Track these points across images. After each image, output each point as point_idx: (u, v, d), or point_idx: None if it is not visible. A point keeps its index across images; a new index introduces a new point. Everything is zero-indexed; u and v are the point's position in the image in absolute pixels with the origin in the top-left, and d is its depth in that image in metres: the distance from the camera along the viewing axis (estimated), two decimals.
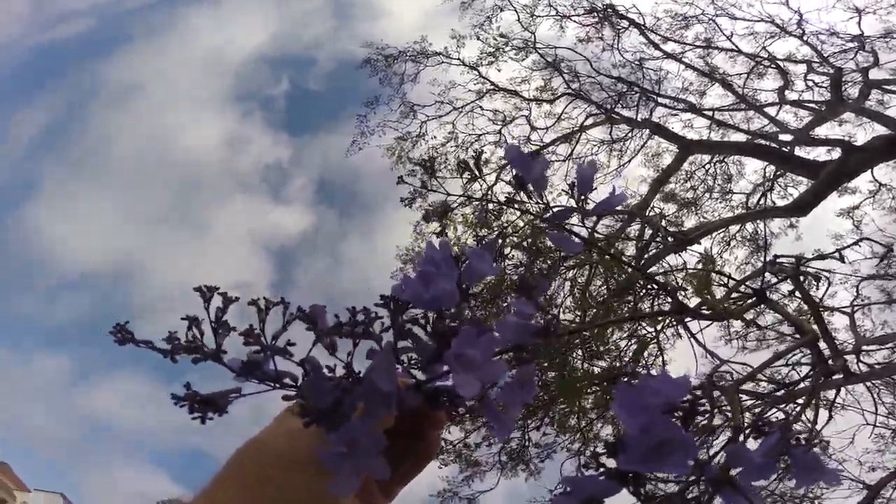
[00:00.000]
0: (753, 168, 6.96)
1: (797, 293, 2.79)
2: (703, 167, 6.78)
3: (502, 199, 0.65)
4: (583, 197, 0.63)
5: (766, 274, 2.86)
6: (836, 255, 2.75)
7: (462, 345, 0.45)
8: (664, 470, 0.41)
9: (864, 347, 5.95)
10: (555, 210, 0.63)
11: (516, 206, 0.64)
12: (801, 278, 2.74)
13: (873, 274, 6.59)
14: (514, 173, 0.62)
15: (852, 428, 5.63)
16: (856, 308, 6.28)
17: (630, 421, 0.41)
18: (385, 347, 0.45)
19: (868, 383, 5.76)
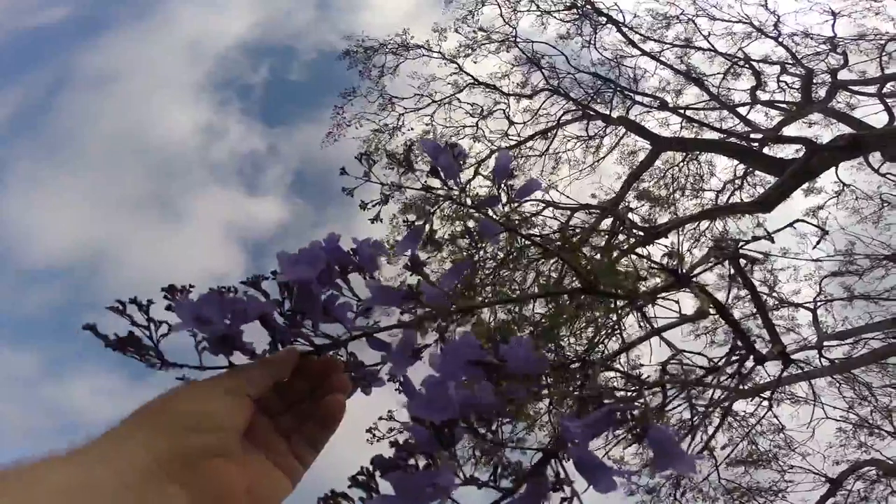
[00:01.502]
0: (724, 167, 7.17)
1: (738, 275, 2.99)
2: (676, 165, 6.96)
3: (469, 195, 0.69)
4: (503, 183, 0.68)
5: (712, 258, 3.05)
6: (770, 238, 2.97)
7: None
8: (440, 416, 0.46)
9: (826, 343, 6.16)
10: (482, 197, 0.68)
11: (432, 191, 0.69)
12: (742, 262, 2.93)
13: (835, 271, 6.80)
14: (430, 162, 0.67)
15: (814, 422, 5.84)
16: (818, 304, 6.49)
17: (441, 371, 0.50)
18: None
19: (830, 378, 5.97)
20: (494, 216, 0.68)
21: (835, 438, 6.00)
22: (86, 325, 0.49)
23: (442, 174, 0.67)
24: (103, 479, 0.40)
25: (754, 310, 4.76)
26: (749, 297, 4.21)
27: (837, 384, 6.03)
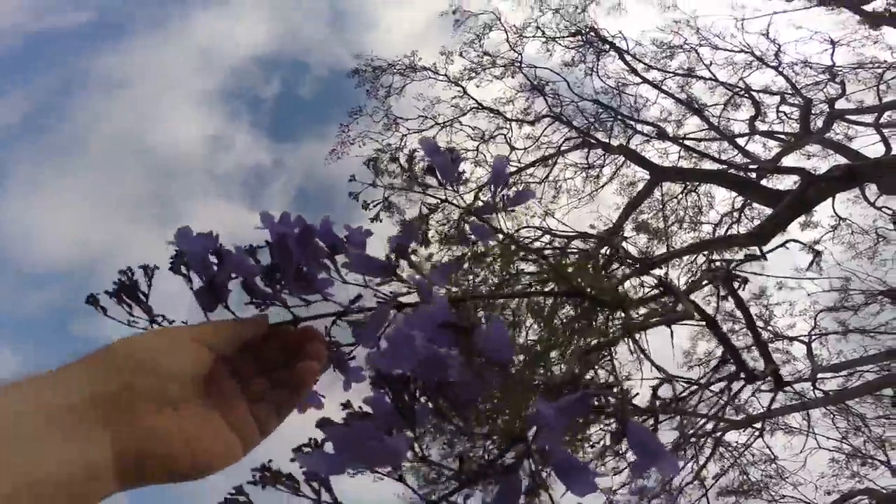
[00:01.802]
0: (722, 199, 7.24)
1: (729, 295, 3.08)
2: (675, 198, 7.02)
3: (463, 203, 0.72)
4: (498, 189, 0.70)
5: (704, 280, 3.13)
6: (763, 256, 3.08)
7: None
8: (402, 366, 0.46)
9: (820, 375, 6.20)
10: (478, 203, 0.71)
11: (429, 189, 0.72)
12: (734, 283, 3.01)
13: (831, 306, 6.84)
14: (427, 162, 0.69)
15: (807, 451, 5.84)
16: (813, 338, 6.52)
17: (409, 324, 0.49)
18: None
19: (824, 409, 6.00)
20: (488, 223, 0.70)
21: (828, 468, 6.03)
22: (89, 296, 0.54)
23: (438, 173, 0.68)
24: (30, 411, 0.39)
25: (748, 339, 4.82)
26: (743, 322, 4.28)
27: (831, 415, 6.07)
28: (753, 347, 4.63)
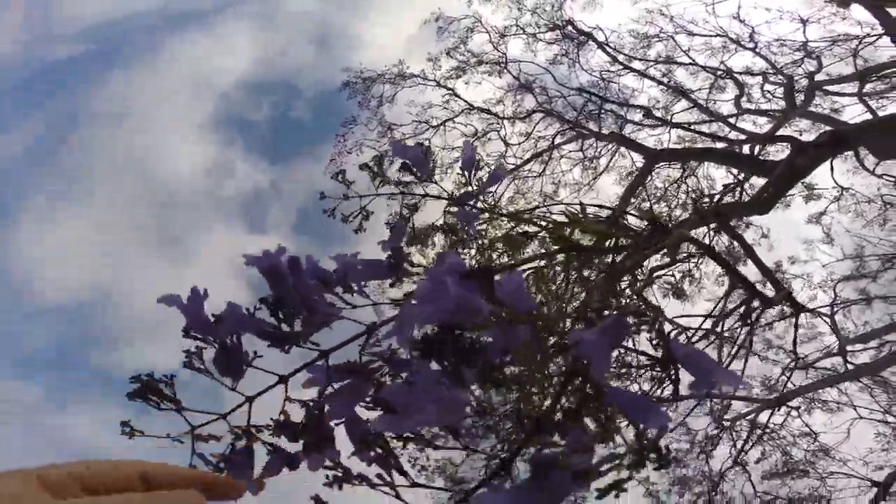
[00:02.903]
0: (722, 178, 7.30)
1: (721, 228, 3.12)
2: (675, 182, 7.10)
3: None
4: (471, 173, 0.72)
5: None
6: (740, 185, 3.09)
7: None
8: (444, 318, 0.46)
9: (849, 348, 6.05)
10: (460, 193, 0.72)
11: (408, 187, 0.72)
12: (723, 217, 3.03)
13: (848, 275, 6.82)
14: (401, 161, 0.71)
15: (849, 424, 5.78)
16: (835, 309, 6.43)
17: (435, 273, 0.49)
18: None
19: (860, 383, 5.85)
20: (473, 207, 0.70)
21: (875, 443, 5.86)
22: (133, 380, 0.55)
23: (414, 169, 0.70)
24: None
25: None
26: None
27: (868, 388, 5.88)
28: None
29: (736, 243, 5.25)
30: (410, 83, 6.57)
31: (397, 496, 0.47)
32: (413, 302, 0.49)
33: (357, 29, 12.81)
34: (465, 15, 6.99)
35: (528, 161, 6.48)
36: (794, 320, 4.56)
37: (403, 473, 0.49)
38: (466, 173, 0.71)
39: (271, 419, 0.58)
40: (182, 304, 0.56)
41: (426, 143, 5.74)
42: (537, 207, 5.41)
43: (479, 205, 0.73)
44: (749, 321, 3.37)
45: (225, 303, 0.57)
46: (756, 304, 3.17)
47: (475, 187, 0.71)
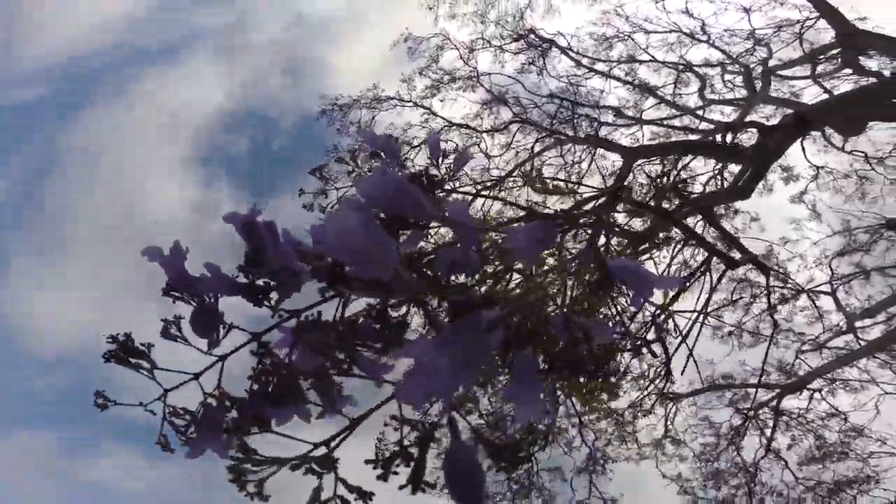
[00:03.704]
0: (702, 171, 7.47)
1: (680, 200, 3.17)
2: (657, 179, 7.22)
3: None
4: (438, 161, 0.73)
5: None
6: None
7: None
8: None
9: (859, 324, 6.06)
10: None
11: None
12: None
13: (841, 250, 6.90)
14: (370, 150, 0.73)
15: (877, 400, 5.74)
16: (836, 287, 6.51)
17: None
18: None
19: (878, 360, 5.77)
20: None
21: None
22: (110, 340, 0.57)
23: (384, 155, 0.72)
24: None
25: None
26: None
27: (889, 365, 5.86)
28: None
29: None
30: (387, 105, 6.62)
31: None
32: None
33: (327, 55, 12.84)
34: (433, 33, 7.11)
35: (511, 172, 6.57)
36: (767, 287, 4.58)
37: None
38: (434, 161, 0.73)
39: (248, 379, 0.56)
40: (163, 259, 0.57)
41: (395, 134, 5.78)
42: (499, 181, 5.50)
43: (448, 187, 0.74)
44: (711, 281, 3.41)
45: (216, 352, 0.58)
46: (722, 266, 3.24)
47: (444, 172, 0.73)
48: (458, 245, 0.52)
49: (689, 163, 6.00)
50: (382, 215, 0.52)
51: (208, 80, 12.95)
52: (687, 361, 4.36)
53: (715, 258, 3.52)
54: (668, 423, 5.66)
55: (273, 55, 12.29)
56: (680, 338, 3.63)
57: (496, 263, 0.55)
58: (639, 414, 5.28)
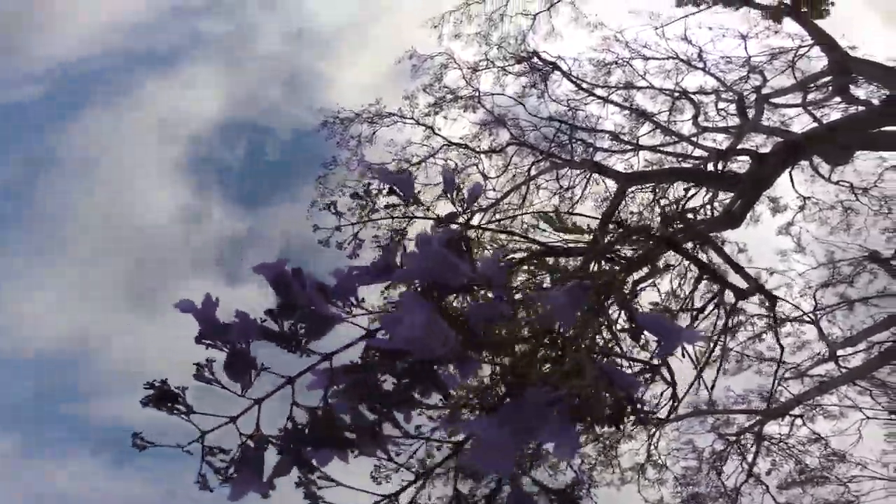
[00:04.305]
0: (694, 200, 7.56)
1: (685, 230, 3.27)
2: (647, 206, 7.32)
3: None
4: (452, 194, 0.75)
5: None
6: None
7: None
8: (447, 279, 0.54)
9: (841, 353, 6.17)
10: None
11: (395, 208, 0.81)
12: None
13: (825, 281, 7.00)
14: (387, 185, 0.75)
15: (859, 425, 5.83)
16: (819, 316, 6.65)
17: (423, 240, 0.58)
18: None
19: (859, 387, 5.84)
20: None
21: (887, 445, 5.90)
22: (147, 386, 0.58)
23: (399, 191, 0.74)
24: None
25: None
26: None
27: (868, 392, 5.97)
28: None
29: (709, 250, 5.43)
30: (389, 121, 6.68)
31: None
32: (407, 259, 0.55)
33: (327, 69, 12.89)
34: (437, 52, 7.21)
35: (507, 194, 6.65)
36: (772, 315, 4.63)
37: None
38: (449, 194, 0.75)
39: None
40: (196, 310, 0.59)
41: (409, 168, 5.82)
42: (515, 216, 5.57)
43: (463, 220, 0.76)
44: (725, 315, 3.50)
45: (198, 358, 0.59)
46: (731, 298, 3.33)
47: (459, 206, 0.75)
48: (490, 298, 0.56)
49: (693, 194, 6.07)
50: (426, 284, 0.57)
51: (208, 88, 12.98)
52: (695, 383, 4.39)
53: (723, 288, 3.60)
54: (651, 447, 5.72)
55: (273, 66, 12.35)
56: (697, 368, 3.68)
57: (535, 326, 0.59)
58: (622, 439, 5.35)
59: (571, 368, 0.54)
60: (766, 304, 4.31)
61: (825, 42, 7.36)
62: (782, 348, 4.99)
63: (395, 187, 0.75)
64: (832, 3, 8.10)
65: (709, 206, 6.54)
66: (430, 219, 0.78)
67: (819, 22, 7.99)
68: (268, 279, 0.60)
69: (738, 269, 3.44)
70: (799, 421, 5.64)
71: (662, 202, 6.54)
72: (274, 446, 0.59)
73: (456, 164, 6.61)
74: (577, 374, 0.53)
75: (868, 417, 5.86)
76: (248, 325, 0.59)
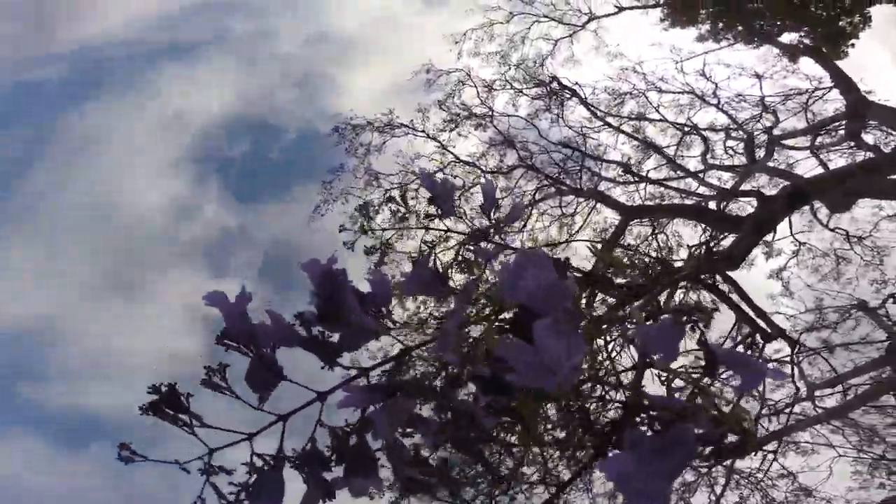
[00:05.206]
0: (690, 235, 7.63)
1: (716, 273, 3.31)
2: (646, 239, 7.37)
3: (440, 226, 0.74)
4: (490, 211, 0.72)
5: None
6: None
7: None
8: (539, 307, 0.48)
9: (818, 393, 6.32)
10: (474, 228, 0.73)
11: (431, 223, 0.75)
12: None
13: (809, 326, 7.13)
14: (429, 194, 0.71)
15: (827, 462, 5.95)
16: (799, 359, 6.69)
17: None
18: None
19: (832, 426, 5.96)
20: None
21: (853, 482, 6.02)
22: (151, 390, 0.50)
23: (438, 202, 0.70)
24: None
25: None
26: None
27: (841, 431, 6.09)
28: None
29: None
30: (400, 132, 6.69)
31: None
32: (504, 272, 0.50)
33: (342, 76, 12.96)
34: (454, 68, 7.23)
35: (510, 217, 6.62)
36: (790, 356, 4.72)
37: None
38: (486, 211, 0.71)
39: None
40: (226, 304, 0.52)
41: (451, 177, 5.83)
42: (559, 244, 5.58)
43: (498, 240, 0.72)
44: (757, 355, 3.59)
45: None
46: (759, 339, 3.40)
47: (494, 224, 0.71)
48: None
49: (723, 237, 6.12)
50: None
51: (223, 83, 13.03)
52: None
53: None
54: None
55: (289, 67, 12.40)
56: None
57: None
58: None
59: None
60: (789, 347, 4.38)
61: (843, 83, 7.36)
62: (798, 388, 5.06)
63: (435, 196, 0.70)
64: (852, 45, 8.11)
65: (706, 245, 6.57)
66: (461, 234, 0.73)
67: (839, 63, 8.03)
68: (313, 279, 0.53)
69: (762, 313, 3.49)
70: (771, 456, 5.70)
71: (691, 245, 6.57)
72: (299, 472, 0.53)
73: (463, 181, 6.63)
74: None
75: (840, 455, 5.99)
76: (280, 328, 0.53)
